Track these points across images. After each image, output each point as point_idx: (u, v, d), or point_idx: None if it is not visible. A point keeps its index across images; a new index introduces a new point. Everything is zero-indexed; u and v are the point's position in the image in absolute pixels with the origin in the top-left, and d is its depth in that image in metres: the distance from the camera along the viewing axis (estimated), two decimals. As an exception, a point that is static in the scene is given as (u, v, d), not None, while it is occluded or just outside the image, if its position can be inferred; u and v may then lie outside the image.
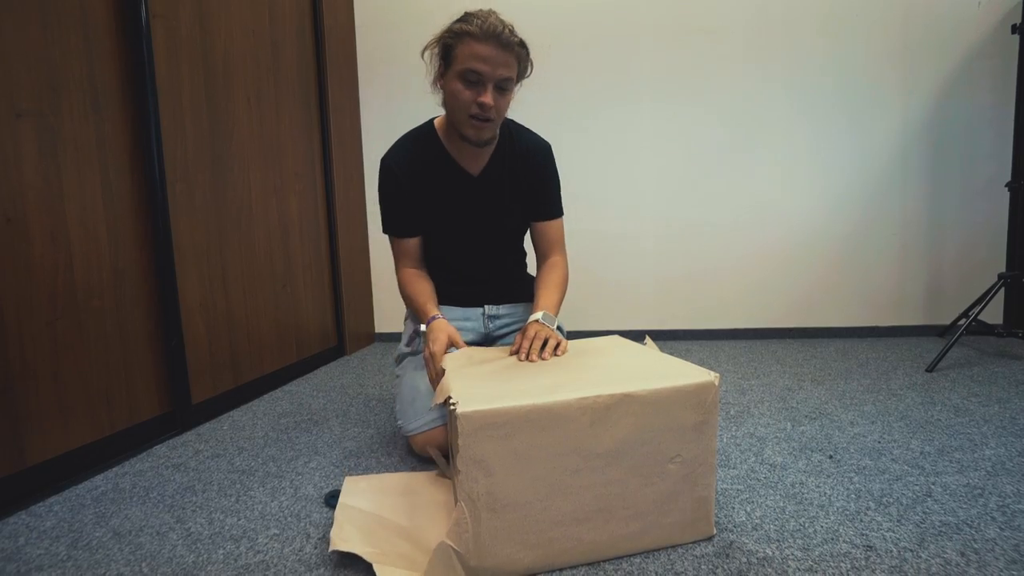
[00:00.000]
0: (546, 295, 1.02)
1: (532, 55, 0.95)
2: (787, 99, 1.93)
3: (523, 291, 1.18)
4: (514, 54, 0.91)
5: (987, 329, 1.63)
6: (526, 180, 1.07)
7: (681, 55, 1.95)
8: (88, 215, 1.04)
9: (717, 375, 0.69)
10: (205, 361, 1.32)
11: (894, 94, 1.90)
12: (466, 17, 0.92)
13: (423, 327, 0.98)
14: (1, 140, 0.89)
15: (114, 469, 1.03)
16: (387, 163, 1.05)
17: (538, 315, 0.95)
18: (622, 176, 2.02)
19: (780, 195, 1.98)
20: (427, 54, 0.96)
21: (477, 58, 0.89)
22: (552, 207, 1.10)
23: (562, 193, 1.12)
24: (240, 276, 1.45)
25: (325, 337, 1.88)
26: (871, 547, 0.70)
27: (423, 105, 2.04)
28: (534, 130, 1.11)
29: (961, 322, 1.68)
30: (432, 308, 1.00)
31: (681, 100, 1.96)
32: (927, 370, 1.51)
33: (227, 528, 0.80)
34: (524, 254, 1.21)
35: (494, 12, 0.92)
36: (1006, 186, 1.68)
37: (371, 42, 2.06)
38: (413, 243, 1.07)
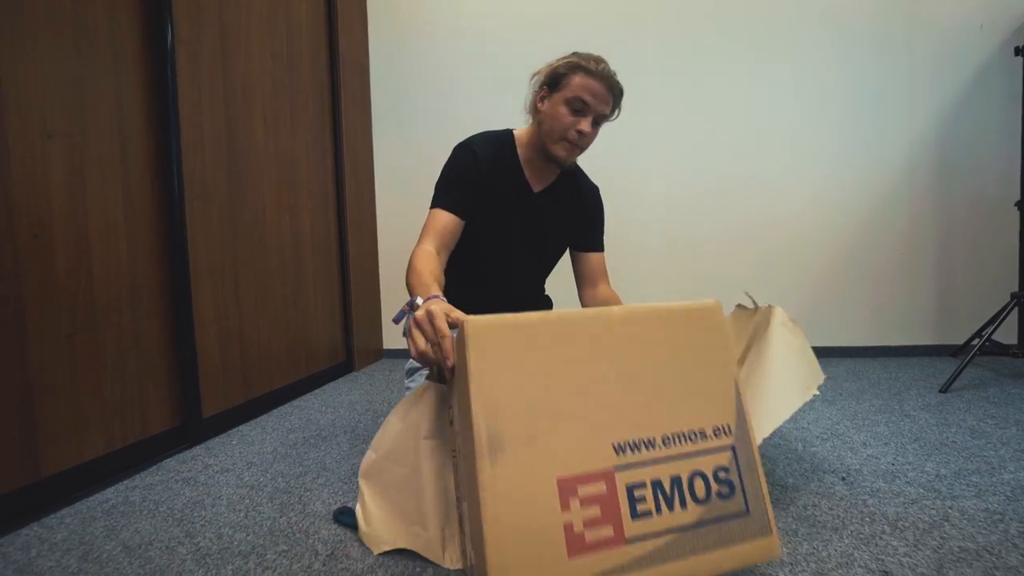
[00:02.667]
0: None
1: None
2: (792, 117, 1.95)
3: (538, 308, 1.20)
4: (615, 99, 1.01)
5: (1001, 349, 1.61)
6: (579, 212, 1.15)
7: (683, 70, 1.98)
8: (110, 232, 1.07)
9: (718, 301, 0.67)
10: (216, 375, 1.34)
11: (900, 113, 1.91)
12: (580, 55, 1.00)
13: (419, 300, 0.81)
14: (32, 160, 0.93)
15: (124, 482, 1.04)
16: (468, 144, 1.07)
17: None
18: (627, 186, 2.04)
19: (785, 213, 1.98)
20: (534, 79, 1.04)
21: (588, 90, 0.98)
22: (598, 240, 1.20)
23: None
24: (252, 291, 1.48)
25: (334, 352, 1.89)
26: (887, 572, 0.68)
27: (435, 125, 2.10)
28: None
29: (974, 342, 1.66)
30: (436, 288, 0.86)
31: (683, 119, 1.99)
32: (941, 391, 1.49)
33: (236, 543, 0.80)
34: (546, 276, 1.25)
35: (600, 57, 1.01)
36: (1015, 205, 1.67)
37: (384, 63, 2.12)
38: (455, 223, 1.02)
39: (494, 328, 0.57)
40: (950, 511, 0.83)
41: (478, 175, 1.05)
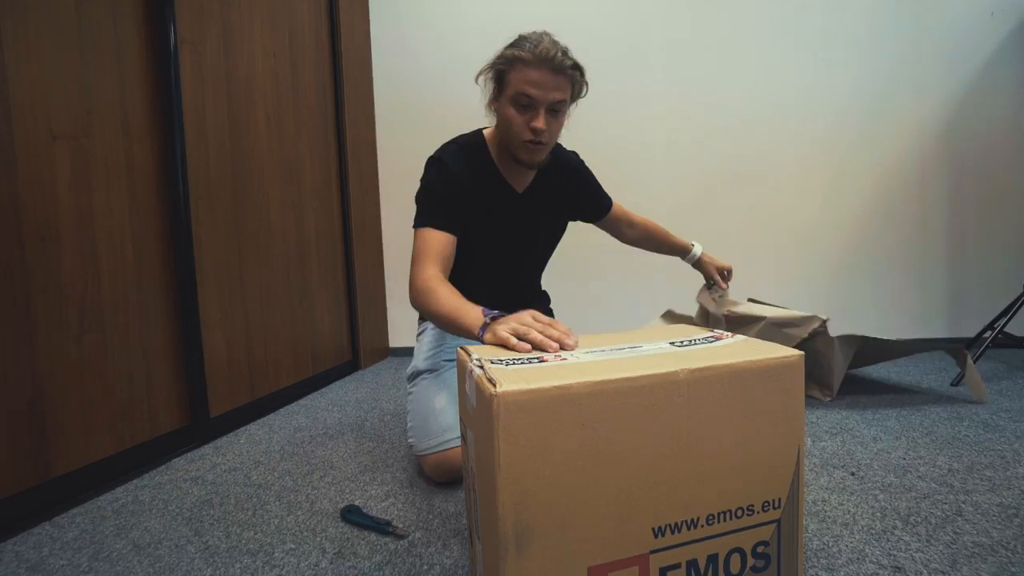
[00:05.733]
0: (673, 236, 1.33)
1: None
2: (799, 114, 1.93)
3: (536, 307, 1.18)
4: (567, 77, 0.91)
5: (1015, 342, 1.58)
6: (569, 194, 1.13)
7: (691, 82, 1.96)
8: (116, 233, 1.07)
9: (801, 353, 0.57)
10: (223, 375, 1.34)
11: (908, 103, 1.89)
12: (519, 42, 0.91)
13: (488, 318, 0.72)
14: (39, 162, 0.93)
15: (134, 481, 1.05)
16: (440, 159, 1.01)
17: (699, 250, 1.35)
18: (631, 181, 2.02)
19: (793, 207, 1.96)
20: (481, 79, 0.96)
21: (529, 83, 0.89)
22: (605, 200, 1.22)
23: None
24: (258, 291, 1.48)
25: (340, 352, 1.89)
26: (899, 568, 0.68)
27: (437, 122, 2.09)
28: None
29: (986, 335, 1.63)
30: (474, 309, 0.78)
31: (685, 108, 1.97)
32: (952, 384, 1.47)
33: (244, 542, 0.80)
34: (542, 270, 1.23)
35: (548, 35, 0.91)
36: (1029, 196, 1.65)
37: (386, 60, 2.11)
38: (450, 242, 0.96)
39: (531, 406, 0.48)
40: (963, 506, 0.82)
41: (457, 190, 0.99)
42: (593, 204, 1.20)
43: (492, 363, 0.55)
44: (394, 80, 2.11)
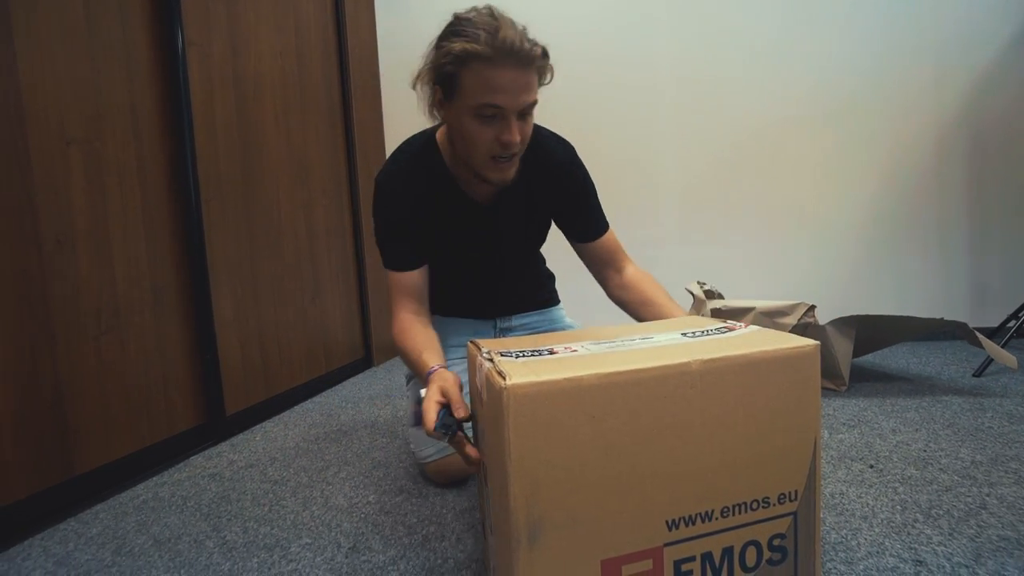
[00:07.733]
0: (674, 311, 0.82)
1: None
2: (813, 102, 1.89)
3: (539, 296, 1.12)
4: (535, 69, 0.71)
5: (1040, 330, 1.54)
6: (553, 199, 0.92)
7: (696, 80, 1.93)
8: (130, 235, 1.09)
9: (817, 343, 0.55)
10: (238, 373, 1.36)
11: (927, 86, 1.83)
12: (463, 29, 0.70)
13: (423, 392, 0.69)
14: (54, 167, 0.95)
15: (153, 478, 1.07)
16: (381, 184, 0.87)
17: None
18: (639, 178, 2.00)
19: (810, 200, 1.92)
20: (417, 84, 0.78)
21: (495, 90, 0.69)
22: (599, 223, 0.93)
23: None
24: (271, 289, 1.50)
25: (353, 349, 1.91)
26: (921, 562, 0.66)
27: (444, 118, 2.08)
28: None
29: (1010, 324, 1.59)
30: (432, 358, 0.76)
31: (698, 115, 1.94)
32: (974, 375, 1.43)
33: (261, 537, 0.82)
34: (541, 258, 1.14)
35: (495, 11, 0.69)
36: (1054, 179, 1.59)
37: (393, 58, 2.11)
38: (415, 277, 0.88)
39: (540, 397, 0.48)
40: (987, 498, 0.80)
41: (404, 223, 0.86)
42: (582, 216, 0.91)
43: (502, 355, 0.55)
44: (401, 76, 2.10)
